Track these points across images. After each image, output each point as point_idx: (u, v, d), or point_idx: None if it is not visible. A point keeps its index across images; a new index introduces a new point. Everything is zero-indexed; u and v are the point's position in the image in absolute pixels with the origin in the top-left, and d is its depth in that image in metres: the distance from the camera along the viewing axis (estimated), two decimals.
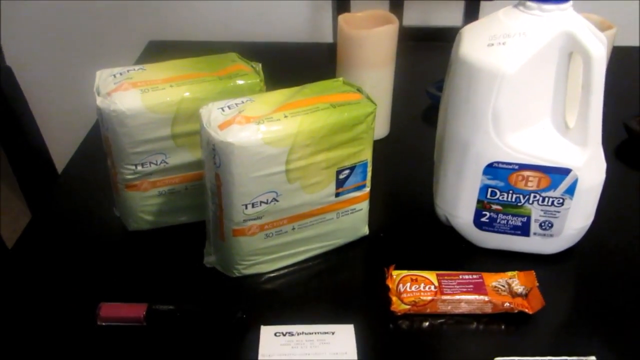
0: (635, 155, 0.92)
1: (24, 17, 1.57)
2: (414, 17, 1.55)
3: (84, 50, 1.61)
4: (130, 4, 1.56)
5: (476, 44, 0.65)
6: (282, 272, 0.70)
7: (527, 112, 0.65)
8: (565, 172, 0.65)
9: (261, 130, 0.60)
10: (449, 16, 1.56)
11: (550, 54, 0.63)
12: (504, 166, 0.66)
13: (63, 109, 1.54)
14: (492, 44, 0.63)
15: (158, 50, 1.21)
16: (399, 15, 1.39)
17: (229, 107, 0.63)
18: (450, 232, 0.74)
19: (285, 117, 0.62)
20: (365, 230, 0.75)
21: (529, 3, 0.63)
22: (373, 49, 0.86)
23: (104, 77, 0.69)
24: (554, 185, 0.66)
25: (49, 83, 1.65)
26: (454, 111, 0.67)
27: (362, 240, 0.75)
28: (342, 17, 0.87)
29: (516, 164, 0.65)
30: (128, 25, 1.58)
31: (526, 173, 0.66)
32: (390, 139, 0.96)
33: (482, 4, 1.39)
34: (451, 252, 0.73)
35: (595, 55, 0.60)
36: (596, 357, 0.59)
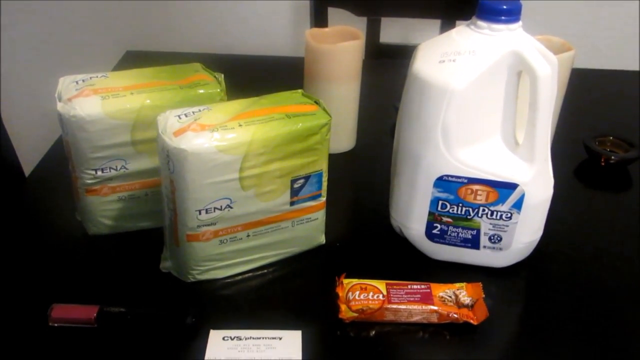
0: (595, 175, 0.94)
1: (2, 25, 1.59)
2: (393, 34, 1.58)
3: (62, 59, 1.63)
4: (110, 14, 1.58)
5: (428, 61, 0.67)
6: (236, 278, 0.71)
7: (477, 127, 0.67)
8: (513, 186, 0.66)
9: (215, 138, 0.62)
10: (428, 34, 1.58)
11: (499, 72, 0.65)
12: (454, 179, 0.67)
13: (35, 115, 1.55)
14: (443, 61, 0.65)
15: (135, 60, 1.23)
16: (376, 33, 1.42)
17: (185, 115, 0.65)
18: (404, 244, 0.75)
19: (240, 125, 0.64)
20: (321, 239, 0.76)
21: (479, 22, 0.65)
22: (338, 64, 0.88)
23: (66, 84, 0.71)
24: (501, 200, 0.67)
25: (23, 90, 1.66)
26: (407, 125, 0.69)
27: (319, 249, 0.76)
28: (309, 32, 0.89)
29: (465, 178, 0.67)
30: (107, 35, 1.59)
31: (475, 187, 0.67)
32: (356, 152, 0.97)
33: (458, 22, 1.41)
34: (405, 263, 0.74)
35: (541, 74, 0.62)
36: None
